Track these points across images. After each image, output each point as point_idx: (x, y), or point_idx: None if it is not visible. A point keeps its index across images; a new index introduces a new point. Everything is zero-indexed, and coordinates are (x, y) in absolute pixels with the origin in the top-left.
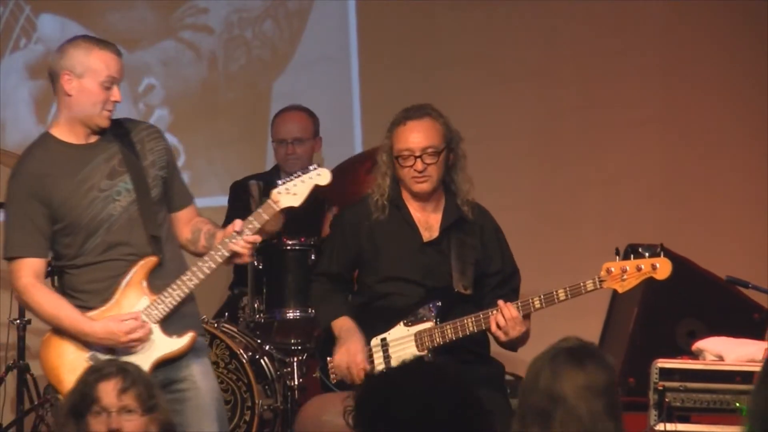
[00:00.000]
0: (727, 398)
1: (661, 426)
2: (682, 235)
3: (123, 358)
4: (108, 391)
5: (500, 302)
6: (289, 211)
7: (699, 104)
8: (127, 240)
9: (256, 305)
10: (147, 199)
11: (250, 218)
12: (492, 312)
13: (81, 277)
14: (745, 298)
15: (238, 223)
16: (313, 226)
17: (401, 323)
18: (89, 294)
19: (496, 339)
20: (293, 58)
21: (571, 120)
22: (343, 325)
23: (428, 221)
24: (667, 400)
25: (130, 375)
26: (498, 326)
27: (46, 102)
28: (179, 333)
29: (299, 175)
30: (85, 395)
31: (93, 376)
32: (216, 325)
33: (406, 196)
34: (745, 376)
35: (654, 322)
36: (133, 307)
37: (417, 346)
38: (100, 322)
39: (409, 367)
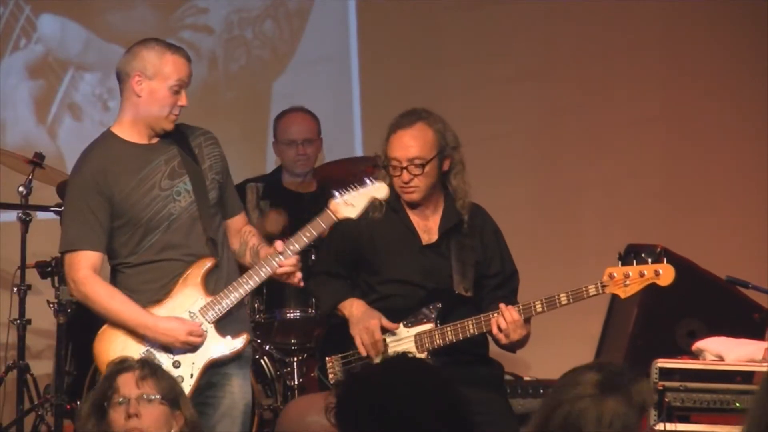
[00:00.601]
0: (727, 398)
1: (661, 426)
2: (682, 235)
3: (178, 357)
4: (127, 381)
5: (502, 305)
6: (289, 212)
7: (699, 103)
8: (185, 241)
9: (256, 305)
10: (205, 201)
11: (307, 227)
12: (493, 314)
13: (136, 278)
14: (745, 298)
15: (279, 245)
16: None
17: (401, 324)
18: (144, 294)
19: (496, 341)
20: (293, 58)
21: (571, 119)
22: (353, 304)
23: (427, 224)
24: (667, 399)
25: (149, 365)
26: (499, 329)
27: (45, 102)
28: (233, 334)
29: (357, 188)
30: (106, 389)
31: (114, 368)
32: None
33: (404, 200)
34: (745, 376)
35: (654, 322)
36: (190, 305)
37: (417, 348)
38: (165, 318)
39: (390, 363)
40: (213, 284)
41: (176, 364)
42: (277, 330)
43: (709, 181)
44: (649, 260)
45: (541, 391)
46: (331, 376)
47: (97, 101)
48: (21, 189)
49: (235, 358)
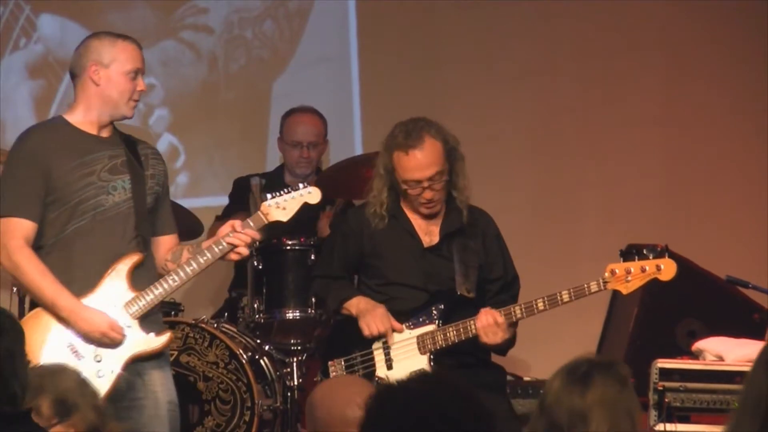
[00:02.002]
0: (727, 398)
1: (661, 426)
2: (682, 234)
3: (100, 351)
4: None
5: (482, 310)
6: None
7: (700, 103)
8: (106, 236)
9: (255, 305)
10: (142, 201)
11: (248, 220)
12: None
13: (55, 265)
14: (745, 298)
15: (237, 223)
16: (312, 227)
17: (404, 326)
18: (63, 284)
19: (481, 342)
20: (293, 58)
21: (571, 119)
22: (360, 301)
23: (429, 227)
24: (667, 400)
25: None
26: (482, 325)
27: (45, 102)
28: (157, 332)
29: (290, 191)
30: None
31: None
32: (215, 325)
33: (405, 205)
34: (745, 377)
35: (654, 322)
36: (115, 298)
37: (419, 349)
38: (91, 308)
39: (422, 378)
40: (138, 281)
41: (98, 358)
42: (277, 330)
43: (710, 182)
44: (651, 256)
45: (541, 391)
46: None
47: None
48: None
49: (154, 356)
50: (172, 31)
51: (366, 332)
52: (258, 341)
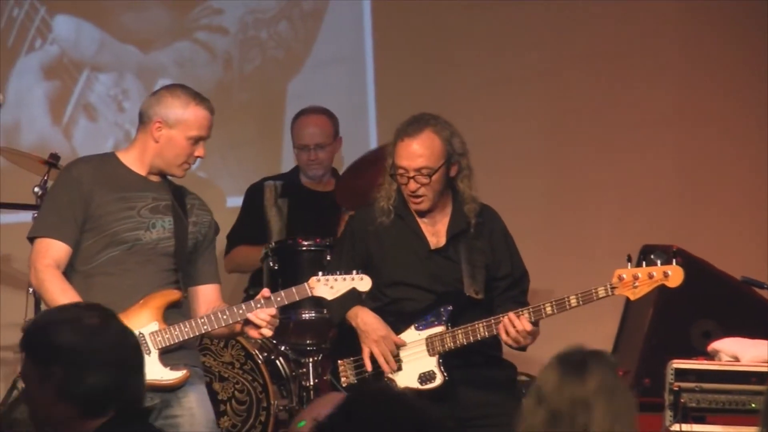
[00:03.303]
0: (742, 399)
1: (676, 427)
2: (697, 235)
3: None
4: None
5: (512, 315)
6: (306, 212)
7: (714, 103)
8: (139, 270)
9: None
10: (183, 242)
11: (281, 292)
12: (503, 317)
13: (89, 291)
14: (761, 298)
15: (266, 291)
16: (328, 227)
17: (412, 327)
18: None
19: (505, 343)
20: (308, 58)
21: (584, 119)
22: (358, 314)
23: (435, 228)
24: (682, 400)
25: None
26: (507, 334)
27: (60, 103)
28: (174, 366)
29: (342, 274)
30: None
31: None
32: None
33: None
34: (760, 377)
35: (669, 323)
36: (142, 326)
37: (428, 351)
38: None
39: (371, 391)
40: (172, 318)
41: None
42: (293, 330)
43: (725, 181)
44: (659, 262)
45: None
46: (343, 379)
47: (112, 102)
48: (36, 189)
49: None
50: (187, 31)
51: (365, 354)
52: (273, 342)
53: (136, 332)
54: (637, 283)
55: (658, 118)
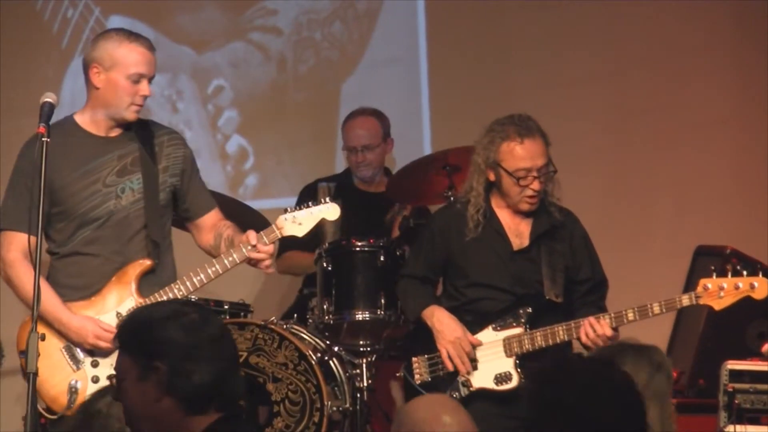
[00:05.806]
0: None
1: (731, 428)
2: (752, 236)
3: (98, 356)
4: None
5: (593, 319)
6: (359, 213)
7: None
8: (116, 239)
9: (325, 306)
10: (154, 202)
11: (262, 233)
12: (583, 323)
13: (62, 271)
14: None
15: (252, 236)
16: (383, 228)
17: (490, 327)
18: (67, 289)
19: (583, 346)
20: (362, 59)
21: (641, 120)
22: (434, 313)
23: (519, 228)
24: (737, 401)
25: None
26: (587, 336)
27: None
28: None
29: (309, 206)
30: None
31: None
32: (285, 326)
33: (497, 203)
34: None
35: (724, 324)
36: (118, 305)
37: (505, 352)
38: (79, 317)
39: (579, 361)
40: (147, 287)
41: (94, 363)
42: (346, 331)
43: None
44: (745, 273)
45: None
46: (417, 376)
47: (166, 102)
48: None
49: None
50: (242, 32)
51: (443, 355)
52: (327, 342)
53: (114, 312)
54: (722, 293)
55: (715, 119)
